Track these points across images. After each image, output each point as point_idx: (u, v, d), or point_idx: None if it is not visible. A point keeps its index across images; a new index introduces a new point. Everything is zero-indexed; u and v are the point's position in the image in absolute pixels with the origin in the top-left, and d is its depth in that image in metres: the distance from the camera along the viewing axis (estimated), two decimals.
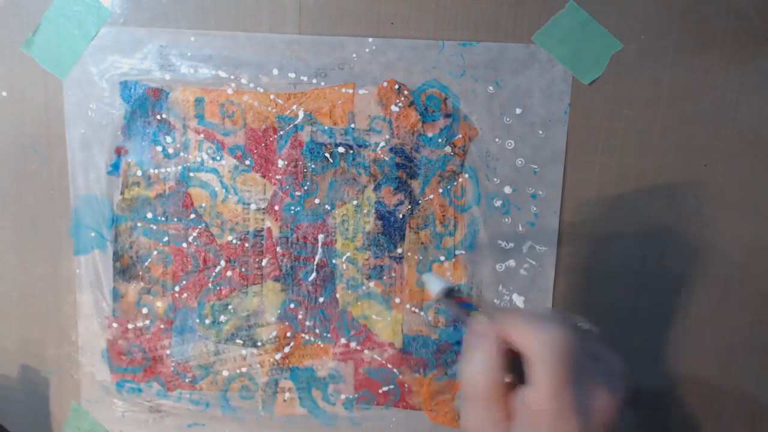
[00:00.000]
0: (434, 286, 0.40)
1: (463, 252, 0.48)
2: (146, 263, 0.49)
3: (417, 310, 0.49)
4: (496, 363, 0.29)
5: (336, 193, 0.48)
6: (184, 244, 0.48)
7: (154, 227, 0.48)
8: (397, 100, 0.46)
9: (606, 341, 0.31)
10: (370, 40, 0.46)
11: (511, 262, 0.48)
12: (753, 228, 0.48)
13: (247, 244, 0.48)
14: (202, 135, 0.47)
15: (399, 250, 0.48)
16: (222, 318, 0.49)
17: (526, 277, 0.48)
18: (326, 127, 0.47)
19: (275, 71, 0.46)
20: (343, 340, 0.49)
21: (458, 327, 0.48)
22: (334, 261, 0.48)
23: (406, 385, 0.49)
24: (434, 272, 0.48)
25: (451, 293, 0.38)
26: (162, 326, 0.49)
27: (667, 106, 0.46)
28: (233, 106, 0.47)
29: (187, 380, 0.50)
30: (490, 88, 0.46)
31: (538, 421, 0.27)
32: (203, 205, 0.48)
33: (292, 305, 0.49)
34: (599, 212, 0.47)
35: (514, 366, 0.29)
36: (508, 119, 0.46)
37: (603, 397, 0.28)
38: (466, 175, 0.47)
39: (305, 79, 0.46)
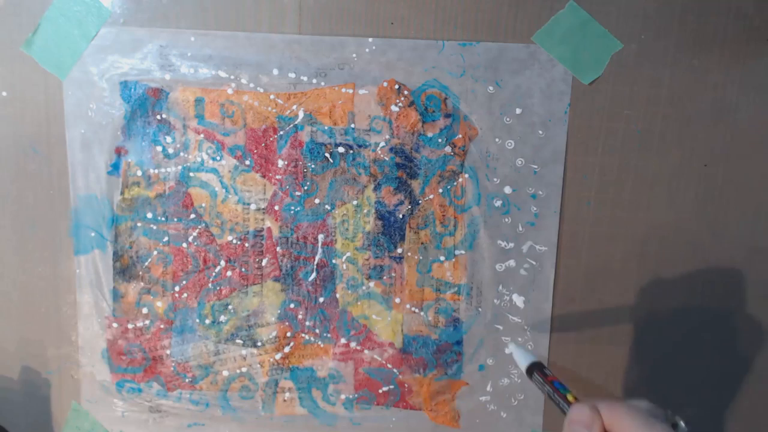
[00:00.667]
0: (520, 359, 0.42)
1: (463, 252, 0.48)
2: (146, 263, 0.49)
3: (417, 310, 0.49)
4: None
5: (336, 193, 0.48)
6: (184, 244, 0.48)
7: (154, 227, 0.48)
8: (397, 100, 0.46)
9: None
10: (370, 40, 0.46)
11: (511, 262, 0.48)
12: (753, 228, 0.48)
13: (247, 244, 0.48)
14: (202, 135, 0.47)
15: (399, 250, 0.48)
16: (222, 318, 0.49)
17: (526, 277, 0.48)
18: (326, 127, 0.47)
19: (275, 71, 0.46)
20: (343, 340, 0.49)
21: (458, 327, 0.48)
22: (334, 261, 0.48)
23: (406, 385, 0.49)
24: (518, 343, 0.48)
25: (539, 369, 0.40)
26: (162, 326, 0.49)
27: (667, 106, 0.46)
28: (233, 106, 0.47)
29: (187, 380, 0.50)
30: (490, 88, 0.46)
31: None
32: (203, 205, 0.48)
33: (292, 305, 0.49)
34: (599, 212, 0.47)
35: None
36: (508, 119, 0.46)
37: None
38: (466, 175, 0.47)
39: (305, 79, 0.46)
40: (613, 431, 0.30)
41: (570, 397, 0.36)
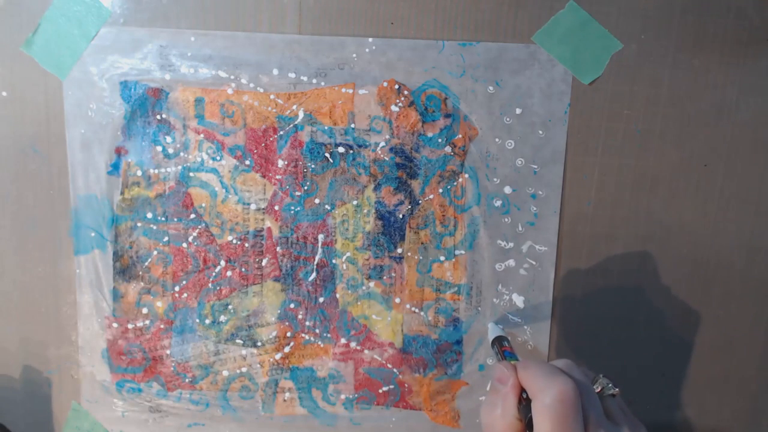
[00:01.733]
0: (490, 333, 0.45)
1: (463, 252, 0.48)
2: (146, 263, 0.49)
3: (417, 310, 0.49)
4: (511, 410, 0.31)
5: (336, 193, 0.48)
6: (184, 244, 0.48)
7: (154, 227, 0.48)
8: (397, 100, 0.46)
9: (627, 405, 0.32)
10: (370, 40, 0.46)
11: (511, 262, 0.48)
12: (753, 228, 0.48)
13: (247, 244, 0.48)
14: (202, 135, 0.47)
15: (399, 250, 0.48)
16: (222, 318, 0.49)
17: (526, 277, 0.48)
18: (326, 127, 0.47)
19: (275, 71, 0.46)
20: (343, 340, 0.49)
21: (458, 327, 0.48)
22: (334, 261, 0.48)
23: (406, 385, 0.49)
24: (498, 323, 0.48)
25: (501, 341, 0.42)
26: (162, 326, 0.49)
27: (667, 106, 0.46)
28: (233, 106, 0.47)
29: (187, 380, 0.50)
30: (490, 88, 0.46)
31: None
32: (203, 205, 0.48)
33: (292, 305, 0.49)
34: (599, 212, 0.47)
35: (526, 411, 0.31)
36: (508, 119, 0.46)
37: None
38: (466, 175, 0.47)
39: (305, 79, 0.46)
40: (524, 384, 0.31)
41: (503, 363, 0.36)
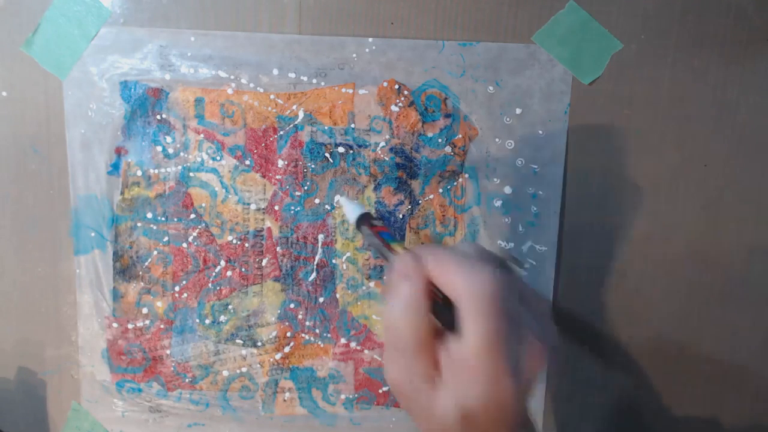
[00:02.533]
0: (349, 212, 0.36)
1: None
2: (146, 263, 0.49)
3: None
4: (422, 308, 0.26)
5: (336, 193, 0.48)
6: (184, 244, 0.48)
7: (154, 227, 0.48)
8: (397, 100, 0.46)
9: (529, 283, 0.29)
10: (370, 40, 0.46)
11: None
12: (753, 228, 0.48)
13: (247, 244, 0.48)
14: (202, 135, 0.47)
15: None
16: (222, 318, 0.49)
17: (526, 277, 0.48)
18: (326, 127, 0.47)
19: (275, 71, 0.46)
20: (343, 340, 0.49)
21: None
22: (334, 261, 0.48)
23: None
24: (349, 195, 0.43)
25: (368, 220, 0.34)
26: (162, 326, 0.49)
27: (667, 106, 0.46)
28: (233, 106, 0.47)
29: (187, 380, 0.50)
30: (490, 88, 0.46)
31: (467, 376, 0.25)
32: (203, 205, 0.48)
33: (292, 305, 0.49)
34: (599, 212, 0.47)
35: (441, 310, 0.27)
36: (508, 119, 0.46)
37: (534, 349, 0.26)
38: (466, 175, 0.47)
39: (305, 79, 0.46)
40: (439, 281, 0.26)
41: (398, 248, 0.31)
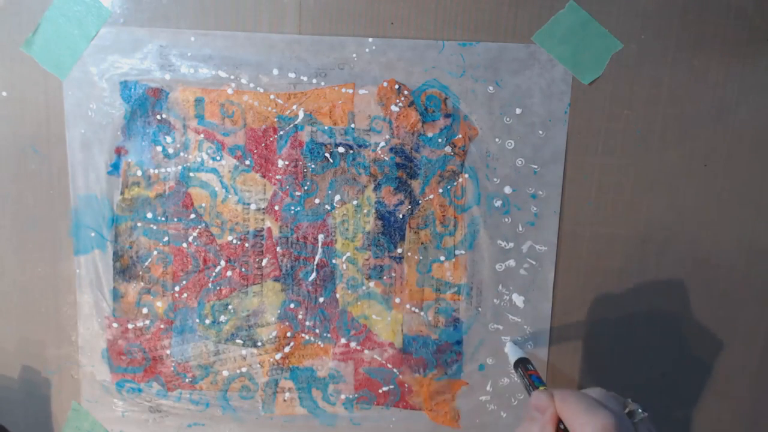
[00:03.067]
0: (511, 355, 0.46)
1: (463, 252, 0.48)
2: (146, 263, 0.49)
3: (417, 310, 0.49)
4: None
5: (336, 193, 0.48)
6: (184, 244, 0.48)
7: (154, 227, 0.48)
8: (397, 100, 0.46)
9: (654, 425, 0.33)
10: (370, 40, 0.46)
11: (511, 262, 0.48)
12: (753, 228, 0.48)
13: (247, 244, 0.48)
14: (202, 135, 0.47)
15: (399, 250, 0.48)
16: (222, 318, 0.49)
17: (526, 277, 0.48)
18: (326, 127, 0.47)
19: (275, 71, 0.46)
20: (343, 340, 0.49)
21: (458, 327, 0.48)
22: (334, 261, 0.48)
23: (406, 385, 0.49)
24: (514, 343, 0.48)
25: (524, 364, 0.42)
26: (162, 326, 0.49)
27: (667, 106, 0.46)
28: (233, 106, 0.47)
29: (187, 380, 0.50)
30: (490, 88, 0.46)
31: None
32: (203, 205, 0.48)
33: (292, 305, 0.49)
34: (599, 212, 0.47)
35: None
36: (508, 119, 0.46)
37: None
38: (466, 175, 0.47)
39: (305, 79, 0.46)
40: (563, 416, 0.31)
41: (541, 388, 0.37)
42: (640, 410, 0.33)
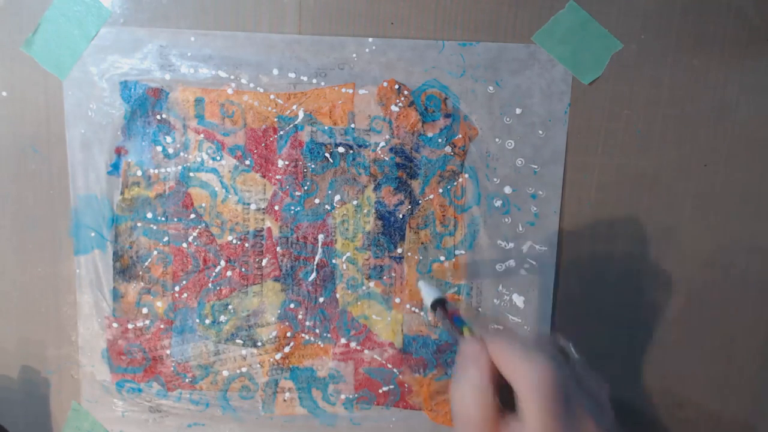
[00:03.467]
0: (426, 295, 0.41)
1: (463, 252, 0.48)
2: (146, 263, 0.49)
3: (417, 310, 0.49)
4: (488, 390, 0.29)
5: (336, 193, 0.48)
6: (184, 244, 0.48)
7: (154, 227, 0.48)
8: (397, 100, 0.46)
9: (588, 367, 0.31)
10: (370, 40, 0.46)
11: (511, 262, 0.48)
12: (753, 228, 0.48)
13: (247, 244, 0.48)
14: (202, 135, 0.47)
15: (399, 250, 0.48)
16: (222, 318, 0.49)
17: (526, 277, 0.48)
18: (326, 127, 0.47)
19: (275, 71, 0.46)
20: (343, 340, 0.49)
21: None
22: (334, 261, 0.48)
23: (406, 385, 0.49)
24: (428, 279, 0.47)
25: (443, 304, 0.39)
26: (162, 326, 0.49)
27: (667, 106, 0.46)
28: (233, 106, 0.47)
29: (187, 380, 0.50)
30: (490, 88, 0.46)
31: None
32: (203, 205, 0.48)
33: (292, 305, 0.49)
34: (599, 212, 0.47)
35: (503, 392, 0.29)
36: (508, 119, 0.46)
37: (590, 431, 0.28)
38: (466, 175, 0.47)
39: (305, 79, 0.46)
40: (500, 368, 0.29)
41: (466, 332, 0.35)
42: (573, 350, 0.31)
